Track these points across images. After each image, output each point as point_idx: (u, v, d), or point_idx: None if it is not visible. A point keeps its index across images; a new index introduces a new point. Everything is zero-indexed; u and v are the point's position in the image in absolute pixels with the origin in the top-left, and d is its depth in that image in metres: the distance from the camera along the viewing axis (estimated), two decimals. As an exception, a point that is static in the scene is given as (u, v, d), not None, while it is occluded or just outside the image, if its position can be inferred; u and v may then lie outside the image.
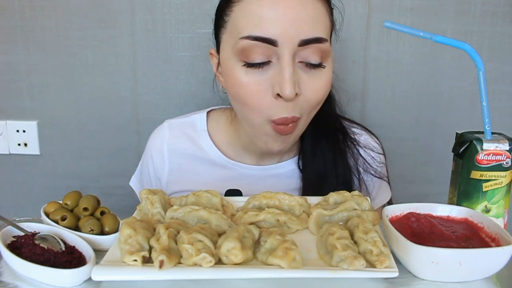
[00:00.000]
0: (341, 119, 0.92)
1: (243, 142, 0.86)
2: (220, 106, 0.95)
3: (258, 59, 0.69)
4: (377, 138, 0.93)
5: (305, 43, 0.69)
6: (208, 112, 0.93)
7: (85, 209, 0.59)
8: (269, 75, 0.70)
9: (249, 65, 0.70)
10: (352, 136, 0.89)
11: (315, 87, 0.72)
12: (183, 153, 0.90)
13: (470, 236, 0.53)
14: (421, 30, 0.59)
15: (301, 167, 0.87)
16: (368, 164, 0.88)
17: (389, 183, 0.91)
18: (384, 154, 0.92)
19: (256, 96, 0.71)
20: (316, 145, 0.86)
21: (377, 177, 0.88)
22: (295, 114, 0.72)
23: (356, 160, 0.87)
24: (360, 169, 0.87)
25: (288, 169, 0.88)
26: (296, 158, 0.88)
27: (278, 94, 0.70)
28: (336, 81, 0.91)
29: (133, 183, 0.98)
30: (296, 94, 0.70)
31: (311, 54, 0.70)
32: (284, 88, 0.68)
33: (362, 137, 0.90)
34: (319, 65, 0.72)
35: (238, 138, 0.87)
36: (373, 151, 0.90)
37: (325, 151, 0.85)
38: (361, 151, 0.88)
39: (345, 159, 0.86)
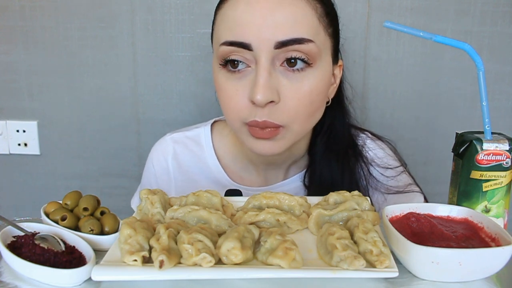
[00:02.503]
0: (352, 129, 0.87)
1: (248, 153, 0.83)
2: (224, 117, 0.94)
3: (234, 65, 0.69)
4: (389, 146, 0.88)
5: (282, 45, 0.66)
6: (212, 124, 0.90)
7: (85, 209, 0.59)
8: (247, 80, 0.68)
9: (228, 70, 0.70)
10: (363, 153, 0.84)
11: (297, 93, 0.68)
12: (188, 170, 0.87)
13: (470, 236, 0.53)
14: (421, 30, 0.59)
15: (306, 184, 0.83)
16: (379, 182, 0.83)
17: (419, 187, 0.85)
18: (402, 164, 0.86)
19: (234, 101, 0.70)
20: (325, 163, 0.81)
21: (391, 193, 0.83)
22: (269, 119, 0.68)
23: (366, 179, 0.83)
24: (369, 187, 0.83)
25: (294, 186, 0.84)
26: (302, 174, 0.84)
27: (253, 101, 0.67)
28: (350, 90, 0.87)
29: (135, 204, 0.92)
30: (273, 102, 0.67)
31: (292, 56, 0.67)
32: (255, 93, 0.66)
33: (373, 151, 0.86)
34: (301, 68, 0.68)
35: (242, 150, 0.84)
36: (385, 167, 0.85)
37: (333, 169, 0.81)
38: (373, 171, 0.84)
39: (353, 178, 0.82)
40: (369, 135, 0.89)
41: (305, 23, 0.67)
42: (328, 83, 0.74)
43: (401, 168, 0.86)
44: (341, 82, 0.83)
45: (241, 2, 0.67)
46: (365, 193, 0.82)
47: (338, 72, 0.79)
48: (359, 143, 0.86)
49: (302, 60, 0.68)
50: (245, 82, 0.69)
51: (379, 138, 0.89)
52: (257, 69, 0.67)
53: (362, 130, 0.89)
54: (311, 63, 0.68)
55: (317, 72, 0.69)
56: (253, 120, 0.69)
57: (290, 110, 0.69)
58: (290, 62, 0.68)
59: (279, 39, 0.66)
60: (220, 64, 0.71)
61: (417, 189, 0.84)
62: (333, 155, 0.82)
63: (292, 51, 0.67)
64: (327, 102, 0.77)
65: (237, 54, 0.68)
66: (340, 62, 0.79)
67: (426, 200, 0.84)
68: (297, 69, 0.68)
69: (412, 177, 0.87)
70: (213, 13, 0.75)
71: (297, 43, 0.66)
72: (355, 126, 0.89)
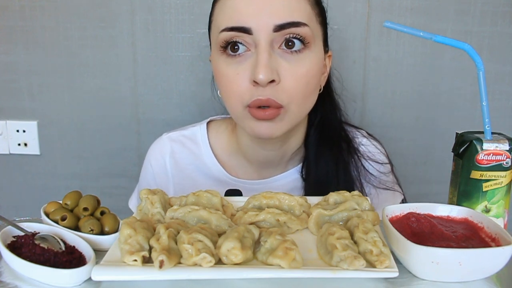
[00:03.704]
0: (345, 125, 0.90)
1: (244, 150, 0.85)
2: (220, 116, 0.94)
3: (235, 49, 0.72)
4: (381, 145, 0.91)
5: (280, 28, 0.69)
6: (208, 123, 0.92)
7: (85, 209, 0.59)
8: (248, 64, 0.71)
9: (228, 55, 0.72)
10: (356, 147, 0.88)
11: (295, 74, 0.71)
12: (185, 168, 0.88)
13: (470, 236, 0.53)
14: (421, 30, 0.59)
15: (304, 176, 0.85)
16: (372, 175, 0.86)
17: (401, 187, 0.89)
18: (390, 162, 0.90)
19: (235, 84, 0.72)
20: (320, 154, 0.84)
21: (381, 188, 0.86)
22: (272, 97, 0.70)
23: (359, 171, 0.86)
24: (363, 180, 0.86)
25: (291, 179, 0.86)
26: (299, 167, 0.87)
27: (254, 81, 0.70)
28: (337, 84, 0.90)
29: (133, 204, 0.94)
30: (274, 81, 0.70)
31: (289, 38, 0.71)
32: (257, 73, 0.68)
33: (366, 147, 0.89)
34: (299, 50, 0.72)
35: (239, 147, 0.86)
36: (378, 162, 0.88)
37: (328, 161, 0.84)
38: (365, 163, 0.87)
39: (348, 170, 0.85)
40: (364, 133, 0.92)
41: (300, 9, 0.72)
42: (321, 68, 0.78)
43: (390, 167, 0.90)
44: (329, 76, 0.86)
45: None
46: (357, 183, 0.85)
47: (328, 62, 0.82)
48: (353, 138, 0.89)
49: (299, 39, 0.71)
50: (245, 66, 0.71)
51: (373, 137, 0.92)
52: (257, 51, 0.70)
53: (357, 128, 0.92)
54: (308, 43, 0.72)
55: (312, 55, 0.73)
56: (256, 99, 0.71)
57: (289, 90, 0.72)
58: (288, 44, 0.71)
59: (277, 22, 0.69)
60: (221, 47, 0.73)
61: (399, 189, 0.89)
62: (326, 146, 0.84)
63: (289, 34, 0.70)
64: (319, 90, 0.80)
65: (237, 38, 0.71)
66: (329, 53, 0.83)
67: (404, 202, 0.88)
68: (295, 51, 0.72)
69: (397, 178, 0.91)
70: (210, 12, 0.76)
71: (293, 26, 0.70)
72: (351, 124, 0.92)
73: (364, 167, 0.86)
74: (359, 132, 0.91)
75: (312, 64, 0.73)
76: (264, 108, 0.71)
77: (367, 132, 0.92)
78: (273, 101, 0.71)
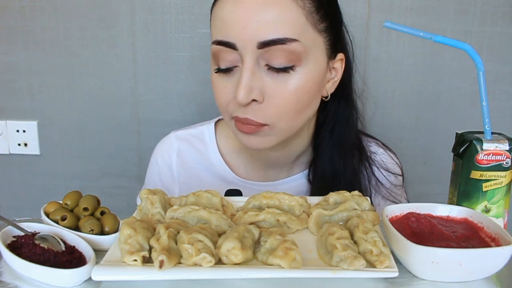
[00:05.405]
0: (360, 134, 0.87)
1: (249, 150, 0.83)
2: None
3: (223, 64, 0.70)
4: (396, 157, 0.89)
5: (264, 45, 0.65)
6: (216, 123, 0.91)
7: (85, 209, 0.59)
8: (234, 80, 0.69)
9: (218, 69, 0.71)
10: (369, 155, 0.85)
11: (282, 93, 0.68)
12: (193, 167, 0.88)
13: (470, 236, 0.53)
14: (421, 30, 0.59)
15: (310, 180, 0.84)
16: (382, 185, 0.84)
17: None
18: (402, 175, 0.87)
19: (223, 97, 0.72)
20: (328, 158, 0.82)
21: (390, 200, 0.84)
22: (251, 117, 0.69)
23: (369, 180, 0.84)
24: (372, 190, 0.84)
25: (298, 183, 0.85)
26: (306, 172, 0.85)
27: None
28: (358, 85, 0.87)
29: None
30: (255, 101, 0.68)
31: (275, 57, 0.66)
32: (237, 93, 0.67)
33: (380, 156, 0.87)
34: (284, 69, 0.67)
35: (245, 148, 0.84)
36: (389, 172, 0.86)
37: (337, 167, 0.81)
38: (376, 172, 0.85)
39: (356, 178, 0.82)
40: (380, 143, 0.89)
41: (289, 22, 0.66)
42: (319, 80, 0.72)
43: (402, 180, 0.87)
44: (348, 75, 0.81)
45: (228, 1, 0.68)
46: (366, 193, 0.83)
47: (339, 66, 0.76)
48: (366, 146, 0.87)
49: (285, 67, 0.67)
50: (232, 82, 0.70)
51: (389, 148, 0.90)
52: (241, 68, 0.68)
53: (373, 138, 0.90)
54: (297, 60, 0.67)
55: (305, 70, 0.69)
56: (236, 115, 0.71)
57: (275, 109, 0.69)
58: (273, 63, 0.67)
59: (261, 39, 0.65)
60: (213, 58, 0.72)
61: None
62: (336, 149, 0.82)
63: (275, 51, 0.66)
64: (326, 97, 0.77)
65: (223, 53, 0.69)
66: (340, 56, 0.76)
67: None
68: (282, 70, 0.67)
69: (406, 193, 0.89)
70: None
71: (279, 43, 0.65)
72: (366, 134, 0.90)
73: (375, 176, 0.84)
74: (374, 141, 0.89)
75: (303, 81, 0.68)
76: (244, 123, 0.70)
77: (382, 143, 0.90)
78: (251, 121, 0.69)
